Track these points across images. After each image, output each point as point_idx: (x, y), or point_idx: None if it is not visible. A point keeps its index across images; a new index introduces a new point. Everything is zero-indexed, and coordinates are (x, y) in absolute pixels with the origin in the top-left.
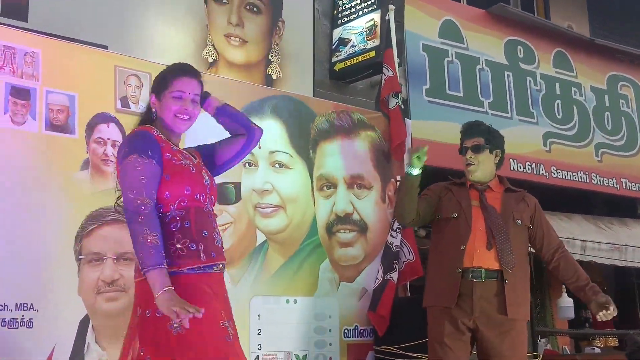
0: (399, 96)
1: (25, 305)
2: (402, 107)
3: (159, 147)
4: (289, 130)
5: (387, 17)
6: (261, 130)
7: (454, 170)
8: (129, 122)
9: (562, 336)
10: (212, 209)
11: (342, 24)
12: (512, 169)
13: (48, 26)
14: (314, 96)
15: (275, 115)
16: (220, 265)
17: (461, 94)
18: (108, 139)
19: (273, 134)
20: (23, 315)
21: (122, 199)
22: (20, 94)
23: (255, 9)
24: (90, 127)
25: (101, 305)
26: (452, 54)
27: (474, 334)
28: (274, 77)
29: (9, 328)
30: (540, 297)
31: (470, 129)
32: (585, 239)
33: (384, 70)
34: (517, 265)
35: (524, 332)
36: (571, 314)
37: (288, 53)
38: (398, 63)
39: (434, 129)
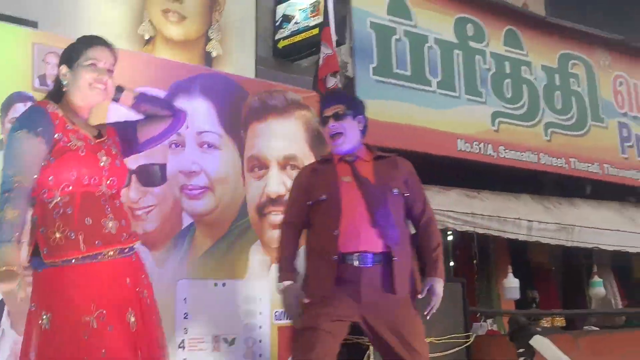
0: (337, 75)
1: None
2: (340, 86)
3: (51, 125)
4: (219, 109)
5: None
6: (186, 113)
7: (401, 151)
8: None
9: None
10: (114, 191)
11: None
12: (459, 149)
13: None
14: (256, 74)
15: (204, 94)
16: (111, 252)
17: (409, 73)
18: None
19: (202, 113)
20: None
21: None
22: None
23: None
24: (6, 107)
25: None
26: (400, 32)
27: (365, 327)
28: (214, 54)
29: None
30: (486, 278)
31: (329, 98)
32: (531, 219)
33: (323, 49)
34: (400, 238)
35: (412, 306)
36: (517, 295)
37: (229, 30)
38: (337, 41)
39: (381, 108)
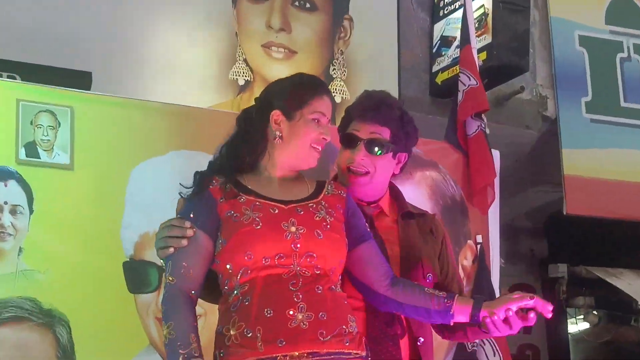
0: (483, 116)
1: None
2: (487, 132)
3: (214, 204)
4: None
5: None
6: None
7: (630, 222)
8: (37, 178)
9: None
10: (317, 272)
11: (444, 15)
12: None
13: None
14: None
15: None
16: (297, 353)
17: None
18: (5, 203)
19: None
20: None
21: None
22: None
23: (307, 5)
24: None
25: None
26: (628, 48)
27: None
28: (338, 99)
29: None
30: None
31: (373, 108)
32: None
33: (462, 78)
34: None
35: None
36: None
37: (359, 63)
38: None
39: (600, 161)
